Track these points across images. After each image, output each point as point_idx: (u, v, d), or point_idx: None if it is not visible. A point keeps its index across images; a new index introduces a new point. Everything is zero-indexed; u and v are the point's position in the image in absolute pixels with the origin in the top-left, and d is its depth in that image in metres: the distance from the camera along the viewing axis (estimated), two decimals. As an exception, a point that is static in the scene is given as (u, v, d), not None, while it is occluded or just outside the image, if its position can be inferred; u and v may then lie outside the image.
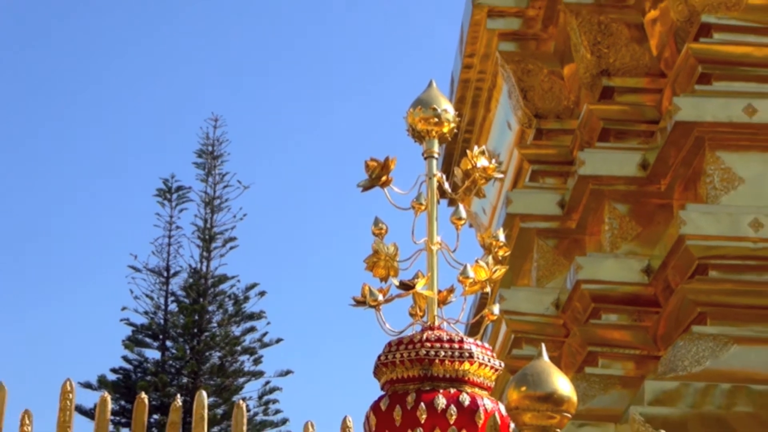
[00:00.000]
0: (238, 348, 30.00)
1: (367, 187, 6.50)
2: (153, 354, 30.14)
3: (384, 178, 6.50)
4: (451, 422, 5.75)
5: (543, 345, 5.20)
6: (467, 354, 6.07)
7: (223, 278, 30.71)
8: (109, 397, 5.00)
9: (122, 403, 28.18)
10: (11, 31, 50.17)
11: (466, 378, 6.03)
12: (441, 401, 5.90)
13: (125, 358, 30.03)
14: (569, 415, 4.77)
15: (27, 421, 4.78)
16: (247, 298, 30.63)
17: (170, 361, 29.83)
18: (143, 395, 4.97)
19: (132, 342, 30.02)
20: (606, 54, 12.74)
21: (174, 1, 53.49)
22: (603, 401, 11.33)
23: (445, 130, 6.62)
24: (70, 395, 4.83)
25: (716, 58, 11.56)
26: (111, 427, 4.74)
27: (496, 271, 6.44)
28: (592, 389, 11.42)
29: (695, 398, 10.11)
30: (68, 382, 4.86)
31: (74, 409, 4.92)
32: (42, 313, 46.69)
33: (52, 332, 45.93)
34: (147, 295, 30.64)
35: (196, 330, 29.95)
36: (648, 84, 12.66)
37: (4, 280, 46.96)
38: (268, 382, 29.91)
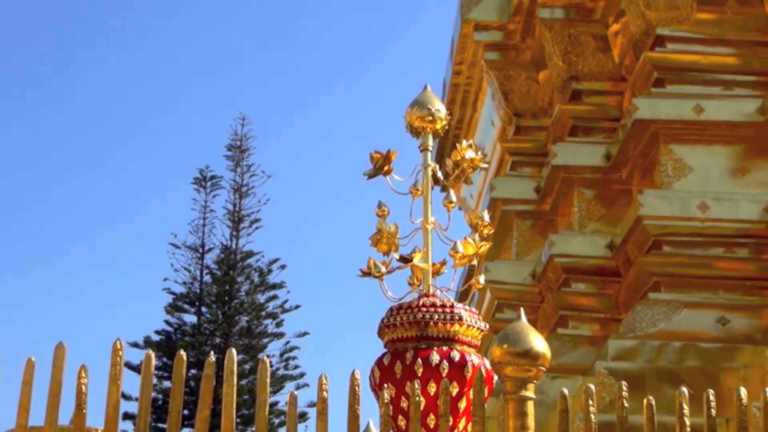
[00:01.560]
0: (263, 313, 30.01)
1: (371, 176, 6.50)
2: (190, 318, 30.18)
3: (386, 168, 6.50)
4: (444, 375, 5.75)
5: (522, 309, 5.20)
6: (457, 317, 6.07)
7: (250, 254, 30.71)
8: (153, 355, 4.99)
9: (164, 360, 28.20)
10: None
11: (457, 337, 6.03)
12: (435, 357, 5.90)
13: (167, 322, 30.07)
14: (544, 369, 4.77)
15: (83, 375, 4.77)
16: (270, 271, 30.64)
17: (205, 325, 29.83)
18: (182, 353, 4.95)
19: (172, 308, 30.03)
20: (575, 62, 12.72)
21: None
22: (573, 357, 11.35)
23: (438, 126, 6.61)
24: (120, 353, 4.82)
25: (669, 65, 11.55)
26: (154, 380, 4.73)
27: (481, 246, 6.44)
28: (564, 347, 11.43)
29: (651, 354, 10.11)
30: (118, 342, 4.85)
31: (123, 365, 4.91)
32: (97, 285, 46.70)
33: (105, 300, 45.94)
34: (185, 268, 30.67)
35: (227, 298, 29.95)
36: (611, 87, 12.64)
37: (71, 262, 46.98)
38: (288, 342, 29.92)
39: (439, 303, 6.15)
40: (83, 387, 4.73)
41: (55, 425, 4.75)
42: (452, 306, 6.14)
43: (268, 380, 4.93)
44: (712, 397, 5.05)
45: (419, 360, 5.92)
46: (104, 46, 51.79)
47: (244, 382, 27.21)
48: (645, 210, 10.84)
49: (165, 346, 28.90)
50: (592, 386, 5.06)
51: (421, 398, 5.18)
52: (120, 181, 49.12)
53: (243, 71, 52.67)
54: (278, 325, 30.09)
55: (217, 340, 29.23)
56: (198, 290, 30.32)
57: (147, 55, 52.05)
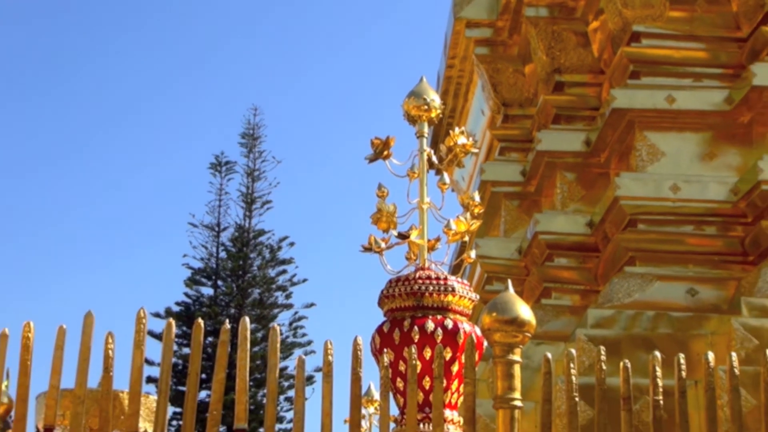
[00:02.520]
0: (273, 286, 30.03)
1: (372, 160, 6.50)
2: (207, 291, 30.20)
3: (385, 153, 6.49)
4: (438, 341, 5.75)
5: (509, 281, 5.20)
6: (450, 288, 6.07)
7: (261, 232, 30.72)
8: (173, 323, 4.98)
9: (184, 328, 28.18)
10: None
11: (450, 307, 6.03)
12: (430, 325, 5.90)
13: (186, 294, 30.11)
14: (529, 335, 4.77)
15: (110, 341, 4.77)
16: (280, 248, 30.65)
17: (221, 297, 29.86)
18: (200, 321, 4.95)
19: (191, 281, 30.05)
20: (558, 56, 12.69)
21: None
22: (555, 325, 11.35)
23: (433, 115, 6.60)
24: (144, 320, 4.82)
25: (644, 59, 11.53)
26: (175, 347, 4.73)
27: (472, 224, 6.43)
28: (547, 316, 11.44)
29: (627, 323, 10.12)
30: (142, 310, 4.85)
31: (146, 332, 4.90)
32: (125, 261, 46.72)
33: (131, 274, 45.94)
34: (202, 245, 30.70)
35: (240, 272, 29.97)
36: (591, 79, 12.63)
37: (100, 241, 47.00)
38: (296, 313, 29.96)
39: (433, 276, 6.15)
40: (110, 352, 4.74)
41: (85, 387, 4.76)
42: (446, 278, 6.14)
43: (279, 345, 4.93)
44: (682, 361, 5.06)
45: (416, 327, 5.93)
46: (127, 42, 51.66)
47: (256, 349, 27.24)
48: (621, 191, 10.85)
49: (184, 316, 28.91)
50: (573, 351, 5.06)
51: (418, 362, 5.19)
52: (143, 166, 49.09)
53: (254, 66, 52.56)
54: (287, 297, 30.13)
55: (232, 310, 29.24)
56: (214, 265, 30.33)
57: (166, 52, 51.92)
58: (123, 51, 51.58)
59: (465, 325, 6.04)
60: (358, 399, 4.79)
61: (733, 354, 5.11)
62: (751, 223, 10.76)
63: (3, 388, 5.19)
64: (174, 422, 25.42)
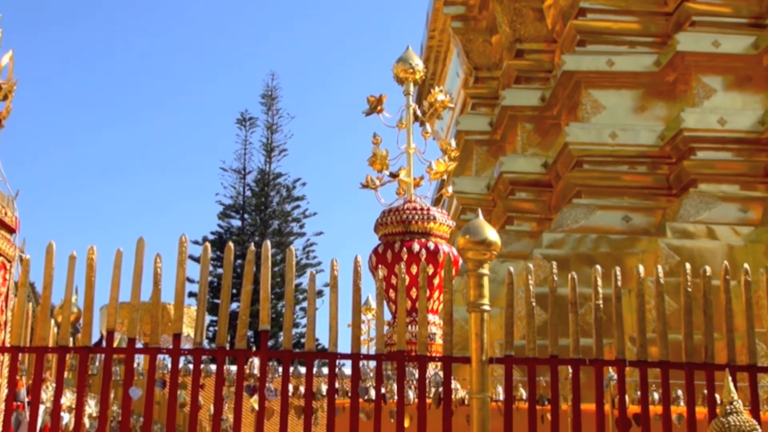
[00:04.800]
0: (290, 218, 30.01)
1: (368, 113, 6.50)
2: (236, 223, 30.16)
3: (379, 108, 6.48)
4: (422, 259, 5.80)
5: (479, 210, 5.22)
6: (432, 217, 6.10)
7: (279, 174, 30.61)
8: (209, 246, 4.98)
9: (218, 253, 28.22)
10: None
11: (432, 232, 6.07)
12: (416, 246, 5.94)
13: (219, 225, 30.07)
14: (496, 254, 4.78)
15: (158, 261, 4.79)
16: (294, 187, 30.55)
17: (247, 227, 29.86)
18: (230, 244, 4.94)
19: (223, 215, 30.02)
20: (519, 28, 12.61)
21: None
22: (517, 246, 11.42)
23: (417, 77, 6.59)
24: (185, 244, 4.83)
25: (589, 30, 11.48)
26: (210, 267, 4.74)
27: (450, 165, 6.45)
28: (510, 239, 11.50)
29: (574, 244, 10.18)
30: (183, 236, 4.86)
31: (187, 255, 4.90)
32: (170, 198, 46.67)
33: (176, 208, 45.90)
34: (231, 186, 30.58)
35: (263, 207, 29.95)
36: (546, 47, 12.57)
37: (153, 183, 46.91)
38: (308, 240, 29.95)
39: (418, 207, 6.18)
40: (158, 270, 4.75)
41: (139, 299, 4.78)
42: (428, 209, 6.17)
43: (294, 263, 4.96)
44: (618, 274, 5.09)
45: (404, 249, 5.97)
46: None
47: (276, 269, 27.28)
48: (570, 138, 10.86)
49: (217, 243, 28.89)
50: (531, 267, 5.08)
51: (406, 276, 5.22)
52: (182, 124, 48.81)
53: (271, 39, 52.06)
54: (301, 227, 30.12)
55: (256, 238, 29.25)
56: (241, 202, 30.30)
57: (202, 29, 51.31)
58: (169, 29, 50.97)
59: (444, 246, 6.08)
60: (358, 306, 4.82)
61: (659, 268, 5.14)
62: (674, 163, 10.80)
63: (73, 300, 5.22)
64: (211, 328, 25.62)
